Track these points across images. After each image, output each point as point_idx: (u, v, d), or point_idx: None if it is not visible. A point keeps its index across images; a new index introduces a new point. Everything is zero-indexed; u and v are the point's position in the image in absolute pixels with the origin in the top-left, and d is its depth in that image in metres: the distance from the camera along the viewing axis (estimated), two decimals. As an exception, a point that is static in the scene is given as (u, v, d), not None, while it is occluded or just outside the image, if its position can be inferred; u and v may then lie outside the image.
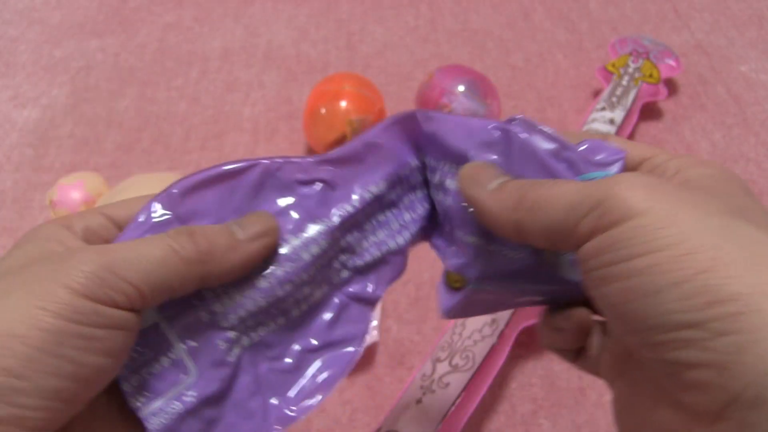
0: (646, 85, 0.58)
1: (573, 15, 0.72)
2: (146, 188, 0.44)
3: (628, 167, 0.20)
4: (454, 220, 0.23)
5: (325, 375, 0.23)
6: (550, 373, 0.43)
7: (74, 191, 0.47)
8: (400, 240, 0.25)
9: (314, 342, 0.23)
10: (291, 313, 0.23)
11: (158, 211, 0.21)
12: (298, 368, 0.23)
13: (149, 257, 0.18)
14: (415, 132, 0.24)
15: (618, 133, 0.54)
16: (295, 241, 0.22)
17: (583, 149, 0.21)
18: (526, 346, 0.44)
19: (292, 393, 0.23)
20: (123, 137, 0.60)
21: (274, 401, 0.23)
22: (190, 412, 0.21)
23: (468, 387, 0.38)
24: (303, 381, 0.23)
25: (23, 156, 0.58)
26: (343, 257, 0.24)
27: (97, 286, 0.17)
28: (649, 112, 0.60)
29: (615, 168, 0.20)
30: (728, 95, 0.62)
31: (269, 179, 0.23)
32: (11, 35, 0.72)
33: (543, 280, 0.22)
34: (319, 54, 0.68)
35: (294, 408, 0.23)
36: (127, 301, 0.18)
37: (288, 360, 0.23)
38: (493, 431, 0.40)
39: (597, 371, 0.22)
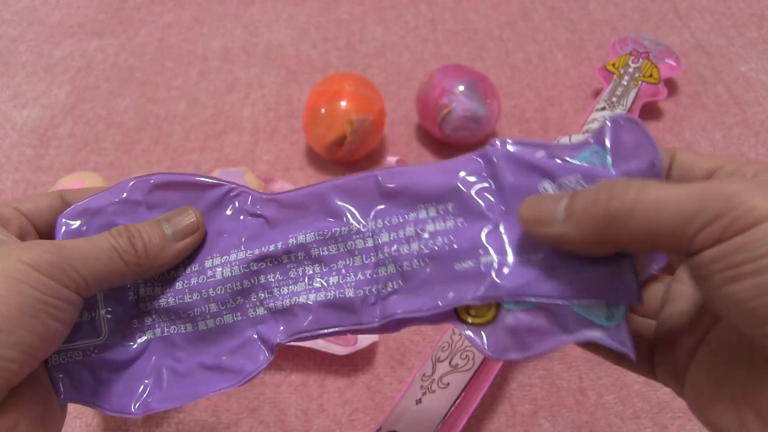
0: (646, 85, 0.58)
1: (573, 15, 0.72)
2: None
3: (704, 177, 0.20)
4: (455, 255, 0.22)
5: (195, 389, 0.25)
6: (550, 373, 0.43)
7: (74, 191, 0.47)
8: (312, 297, 0.24)
9: (208, 360, 0.25)
10: (198, 324, 0.25)
11: (129, 194, 0.26)
12: (187, 376, 0.25)
13: (97, 256, 0.22)
14: (371, 193, 0.24)
15: (618, 133, 0.54)
16: (217, 260, 0.25)
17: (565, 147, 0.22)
18: (526, 346, 0.44)
19: (169, 391, 0.25)
20: (123, 137, 0.60)
21: (154, 391, 0.25)
22: (89, 366, 0.24)
23: (468, 387, 0.38)
24: (182, 387, 0.25)
25: (23, 156, 0.58)
26: (261, 294, 0.25)
27: (56, 271, 0.21)
28: (649, 112, 0.60)
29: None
30: (728, 95, 0.62)
31: (227, 201, 0.26)
32: (11, 35, 0.72)
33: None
34: (319, 54, 0.68)
35: (161, 403, 0.25)
36: (76, 287, 0.22)
37: (183, 365, 0.25)
38: (493, 431, 0.40)
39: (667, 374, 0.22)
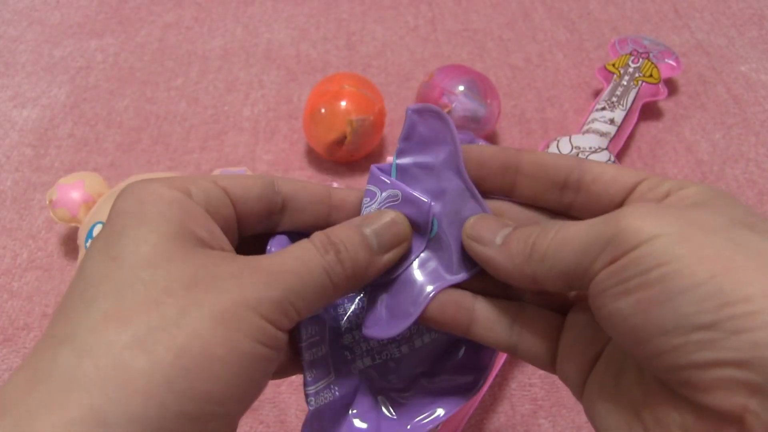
0: (647, 85, 0.58)
1: (573, 15, 0.72)
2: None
3: (625, 191, 0.20)
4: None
5: (437, 411, 0.23)
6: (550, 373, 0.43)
7: (74, 191, 0.47)
8: None
9: (432, 377, 0.24)
10: (414, 342, 0.24)
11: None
12: (413, 398, 0.23)
13: (310, 283, 0.19)
14: None
15: (618, 133, 0.54)
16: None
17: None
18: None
19: (400, 419, 0.23)
20: (123, 137, 0.60)
21: (385, 421, 0.23)
22: (331, 406, 0.22)
23: None
24: (413, 408, 0.23)
25: (23, 156, 0.58)
26: None
27: (276, 312, 0.17)
28: (649, 112, 0.60)
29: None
30: (728, 95, 0.62)
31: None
32: (11, 35, 0.72)
33: None
34: (319, 54, 0.68)
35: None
36: (290, 324, 0.18)
37: (406, 389, 0.23)
38: (492, 431, 0.40)
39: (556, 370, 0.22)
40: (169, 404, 0.15)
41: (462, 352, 0.24)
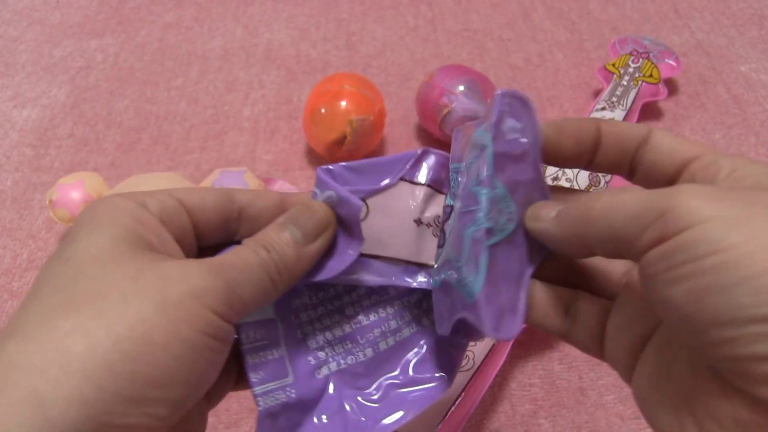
0: (647, 85, 0.58)
1: (573, 15, 0.72)
2: (146, 188, 0.44)
3: (677, 166, 0.20)
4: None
5: (400, 413, 0.24)
6: (550, 373, 0.43)
7: (74, 191, 0.47)
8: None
9: (399, 378, 0.24)
10: (379, 345, 0.24)
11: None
12: (381, 400, 0.24)
13: (251, 277, 0.19)
14: None
15: (618, 133, 0.54)
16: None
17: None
18: (526, 346, 0.44)
19: (369, 421, 0.23)
20: (123, 137, 0.60)
21: (354, 425, 0.23)
22: (287, 407, 0.22)
23: (468, 387, 0.38)
24: (382, 412, 0.24)
25: (23, 156, 0.58)
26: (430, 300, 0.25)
27: (223, 304, 0.18)
28: (649, 112, 0.60)
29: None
30: (728, 95, 0.62)
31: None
32: (11, 35, 0.72)
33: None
34: (319, 54, 0.68)
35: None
36: (236, 316, 0.19)
37: (373, 392, 0.24)
38: (492, 431, 0.40)
39: (590, 348, 0.22)
40: (107, 386, 0.16)
41: (424, 351, 0.25)
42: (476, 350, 0.39)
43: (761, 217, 0.15)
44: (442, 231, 0.24)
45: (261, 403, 0.22)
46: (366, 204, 0.23)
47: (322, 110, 0.52)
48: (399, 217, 0.23)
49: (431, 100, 0.54)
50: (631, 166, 0.22)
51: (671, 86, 0.63)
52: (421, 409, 0.23)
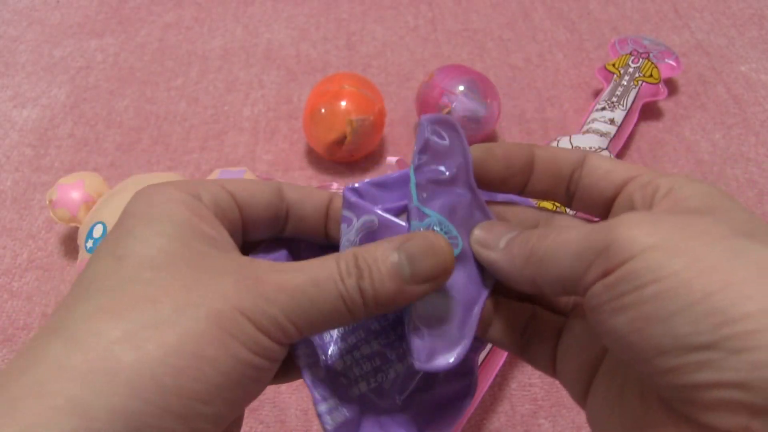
0: (647, 85, 0.58)
1: (573, 15, 0.72)
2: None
3: (614, 188, 0.20)
4: None
5: (440, 421, 0.23)
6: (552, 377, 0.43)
7: (74, 191, 0.47)
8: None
9: (428, 391, 0.23)
10: (406, 362, 0.23)
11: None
12: (415, 418, 0.23)
13: (320, 306, 0.18)
14: None
15: (618, 133, 0.54)
16: None
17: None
18: (526, 346, 0.44)
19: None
20: (123, 137, 0.60)
21: None
22: (347, 423, 0.21)
23: None
24: (418, 425, 0.23)
25: (23, 156, 0.58)
26: None
27: (275, 328, 0.17)
28: (650, 112, 0.60)
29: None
30: (728, 95, 0.62)
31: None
32: (11, 35, 0.72)
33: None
34: (319, 54, 0.68)
35: None
36: (288, 340, 0.18)
37: (405, 409, 0.23)
38: (492, 431, 0.40)
39: (546, 368, 0.22)
40: (154, 400, 0.15)
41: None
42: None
43: (698, 242, 0.15)
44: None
45: (329, 422, 0.21)
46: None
47: (322, 110, 0.52)
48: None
49: (431, 100, 0.54)
50: (568, 191, 0.21)
51: (671, 86, 0.63)
52: (458, 419, 0.23)
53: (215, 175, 0.49)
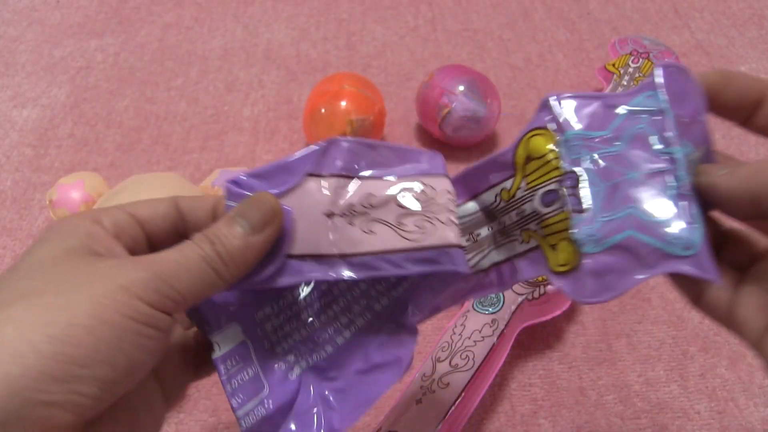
0: (646, 85, 0.58)
1: (573, 15, 0.72)
2: (146, 188, 0.44)
3: (751, 101, 0.22)
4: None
5: (366, 394, 0.25)
6: (550, 373, 0.43)
7: (74, 191, 0.47)
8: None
9: (362, 366, 0.25)
10: (336, 340, 0.26)
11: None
12: (350, 388, 0.25)
13: (189, 269, 0.21)
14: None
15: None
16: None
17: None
18: (526, 346, 0.44)
19: (342, 407, 0.25)
20: (123, 137, 0.60)
21: (329, 414, 0.25)
22: (267, 418, 0.24)
23: (468, 387, 0.38)
24: (352, 398, 0.25)
25: (23, 156, 0.58)
26: (380, 286, 0.26)
27: (152, 293, 0.20)
28: (649, 112, 0.60)
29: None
30: (728, 95, 0.62)
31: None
32: (11, 35, 0.72)
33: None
34: (319, 54, 0.68)
35: (342, 421, 0.25)
36: (173, 307, 0.20)
37: (341, 381, 0.25)
38: (493, 431, 0.40)
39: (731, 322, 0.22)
40: (33, 365, 0.17)
41: (382, 336, 0.26)
42: (476, 350, 0.39)
43: None
44: (576, 197, 0.23)
45: (243, 424, 0.24)
46: (288, 206, 0.23)
47: (322, 110, 0.52)
48: (310, 213, 0.23)
49: (431, 100, 0.54)
50: None
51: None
52: (382, 392, 0.24)
53: (215, 175, 0.49)
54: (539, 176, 0.24)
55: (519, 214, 0.25)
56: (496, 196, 0.26)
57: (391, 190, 0.24)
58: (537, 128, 0.25)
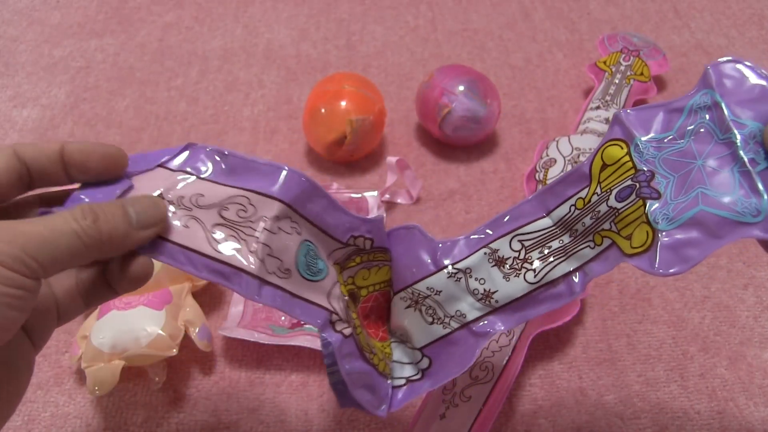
0: (637, 83, 0.58)
1: (573, 15, 0.72)
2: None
3: None
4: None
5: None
6: (550, 373, 0.43)
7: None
8: None
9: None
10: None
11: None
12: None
13: (55, 242, 0.22)
14: None
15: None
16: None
17: None
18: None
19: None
20: (123, 137, 0.60)
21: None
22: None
23: (488, 399, 0.38)
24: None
25: (23, 156, 0.58)
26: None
27: (11, 260, 0.21)
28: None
29: None
30: (728, 95, 0.62)
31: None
32: (11, 35, 0.72)
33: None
34: (319, 54, 0.68)
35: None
36: (33, 274, 0.21)
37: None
38: (493, 431, 0.40)
39: None
40: None
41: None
42: (494, 361, 0.39)
43: None
44: (650, 188, 0.26)
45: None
46: (132, 183, 0.27)
47: (322, 110, 0.52)
48: (147, 190, 0.26)
49: (431, 100, 0.54)
50: None
51: (671, 86, 0.63)
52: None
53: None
54: (615, 178, 0.27)
55: (593, 216, 0.27)
56: (570, 207, 0.28)
57: (220, 197, 0.26)
58: (611, 140, 0.27)
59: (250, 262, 0.25)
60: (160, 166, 0.27)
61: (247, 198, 0.26)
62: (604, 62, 0.61)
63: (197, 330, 0.41)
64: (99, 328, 0.39)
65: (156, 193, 0.26)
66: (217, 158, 0.27)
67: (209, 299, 0.47)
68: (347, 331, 0.28)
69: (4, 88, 0.65)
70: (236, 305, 0.45)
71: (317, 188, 0.28)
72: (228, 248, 0.25)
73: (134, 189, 0.26)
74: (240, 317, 0.44)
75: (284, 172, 0.27)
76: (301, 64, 0.67)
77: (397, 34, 0.70)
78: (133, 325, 0.39)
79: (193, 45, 0.70)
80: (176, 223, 0.26)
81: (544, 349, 0.44)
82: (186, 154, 0.27)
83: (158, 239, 0.25)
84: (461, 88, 0.53)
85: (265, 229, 0.26)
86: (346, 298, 0.29)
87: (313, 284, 0.27)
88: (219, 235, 0.25)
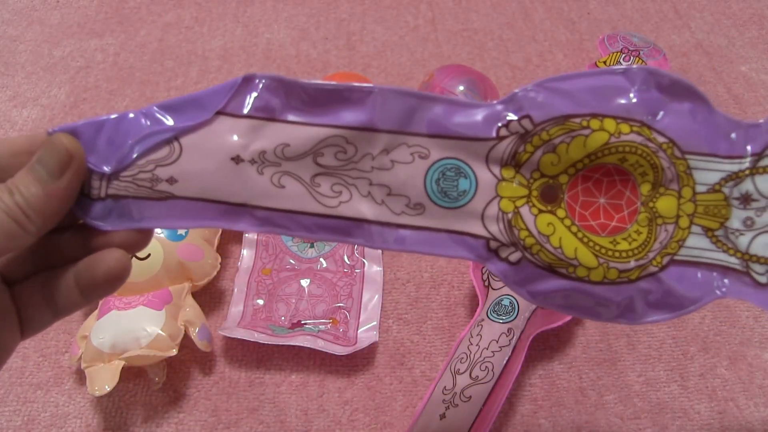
0: (641, 84, 0.58)
1: (573, 15, 0.72)
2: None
3: None
4: None
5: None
6: (550, 373, 0.43)
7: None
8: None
9: None
10: None
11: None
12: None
13: None
14: None
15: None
16: None
17: None
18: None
19: None
20: (123, 137, 0.60)
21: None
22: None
23: (488, 399, 0.38)
24: None
25: (23, 156, 0.58)
26: None
27: None
28: (649, 112, 0.60)
29: None
30: (728, 95, 0.62)
31: None
32: (11, 35, 0.72)
33: None
34: (319, 54, 0.68)
35: None
36: None
37: None
38: (493, 431, 0.40)
39: None
40: None
41: None
42: (494, 361, 0.39)
43: None
44: None
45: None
46: (179, 144, 0.22)
47: (322, 110, 0.52)
48: (214, 155, 0.22)
49: (431, 100, 0.54)
50: None
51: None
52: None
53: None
54: None
55: None
56: None
57: (310, 143, 0.22)
58: None
59: (368, 209, 0.22)
60: (220, 113, 0.22)
61: (343, 137, 0.22)
62: (604, 62, 0.60)
63: (197, 330, 0.41)
64: (99, 328, 0.39)
65: (228, 155, 0.21)
66: (290, 91, 0.22)
67: (209, 299, 0.47)
68: (514, 257, 0.22)
69: (3, 88, 0.65)
70: (236, 305, 0.45)
71: (423, 97, 0.22)
72: (337, 200, 0.21)
73: (183, 154, 0.22)
74: (240, 317, 0.44)
75: (374, 95, 0.22)
76: (301, 64, 0.67)
77: (397, 34, 0.70)
78: (133, 325, 0.39)
79: (193, 45, 0.70)
80: (268, 184, 0.21)
81: (544, 349, 0.44)
82: (254, 95, 0.22)
83: (256, 210, 0.21)
84: (461, 87, 0.53)
85: (374, 167, 0.22)
86: (509, 214, 0.22)
87: (456, 211, 0.22)
88: (323, 187, 0.22)
